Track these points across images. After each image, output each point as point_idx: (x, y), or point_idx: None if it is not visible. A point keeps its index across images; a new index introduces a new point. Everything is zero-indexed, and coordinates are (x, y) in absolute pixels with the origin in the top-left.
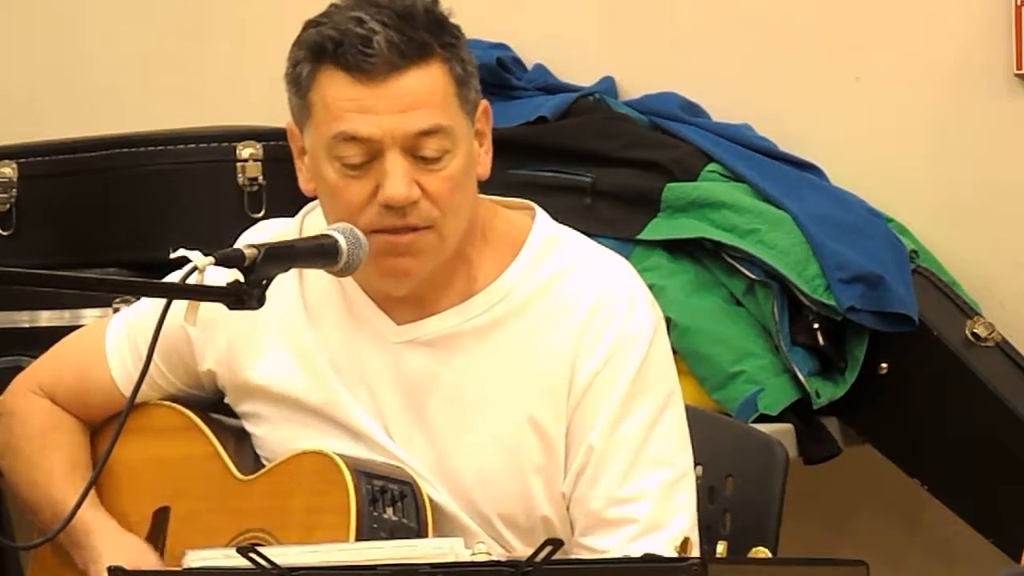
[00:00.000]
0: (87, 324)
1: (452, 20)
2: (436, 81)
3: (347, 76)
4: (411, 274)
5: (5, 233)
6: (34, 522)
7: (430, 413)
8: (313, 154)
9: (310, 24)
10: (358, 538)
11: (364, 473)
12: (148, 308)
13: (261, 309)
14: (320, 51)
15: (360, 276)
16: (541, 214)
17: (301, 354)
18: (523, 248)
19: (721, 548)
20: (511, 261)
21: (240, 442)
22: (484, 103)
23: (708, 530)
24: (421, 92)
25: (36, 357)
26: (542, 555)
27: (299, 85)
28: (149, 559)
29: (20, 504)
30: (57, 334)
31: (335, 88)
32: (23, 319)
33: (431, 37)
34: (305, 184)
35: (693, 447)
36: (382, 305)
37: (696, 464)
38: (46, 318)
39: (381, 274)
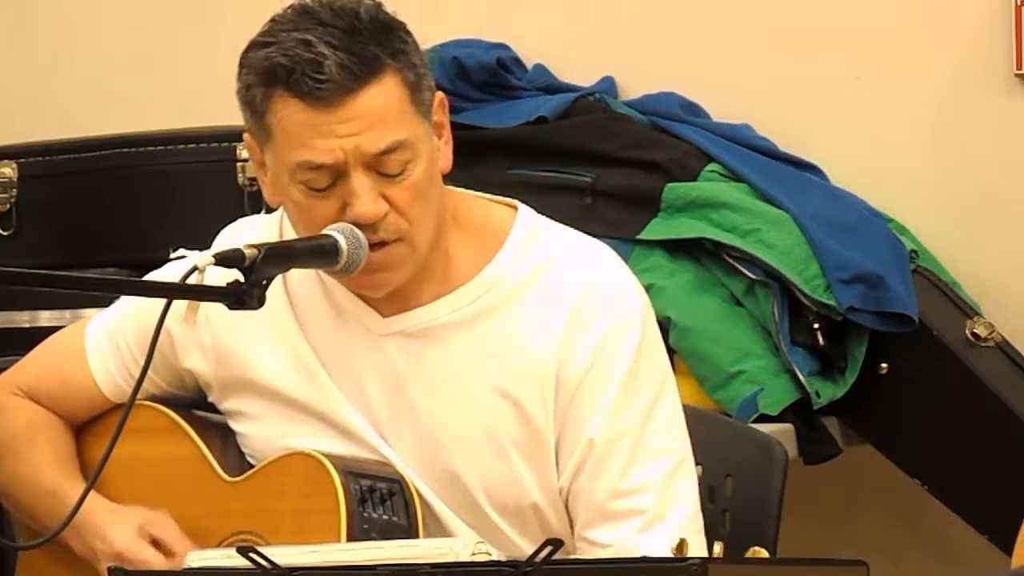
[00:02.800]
0: (64, 327)
1: (398, 19)
2: (391, 95)
3: (301, 103)
4: (389, 285)
5: (5, 233)
6: (22, 519)
7: (416, 405)
8: (276, 173)
9: (255, 45)
10: (349, 538)
11: (352, 473)
12: (127, 308)
13: None
14: (271, 77)
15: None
16: (523, 208)
17: (289, 349)
18: (507, 239)
19: (718, 548)
20: (495, 252)
21: (225, 441)
22: (439, 95)
23: (708, 530)
24: (377, 110)
25: None
26: (542, 555)
27: (254, 108)
28: (151, 517)
29: (7, 503)
30: None
31: (291, 114)
32: (23, 319)
33: (380, 49)
34: (271, 197)
35: (693, 447)
36: (365, 299)
37: (696, 464)
38: (46, 318)
39: (358, 288)
